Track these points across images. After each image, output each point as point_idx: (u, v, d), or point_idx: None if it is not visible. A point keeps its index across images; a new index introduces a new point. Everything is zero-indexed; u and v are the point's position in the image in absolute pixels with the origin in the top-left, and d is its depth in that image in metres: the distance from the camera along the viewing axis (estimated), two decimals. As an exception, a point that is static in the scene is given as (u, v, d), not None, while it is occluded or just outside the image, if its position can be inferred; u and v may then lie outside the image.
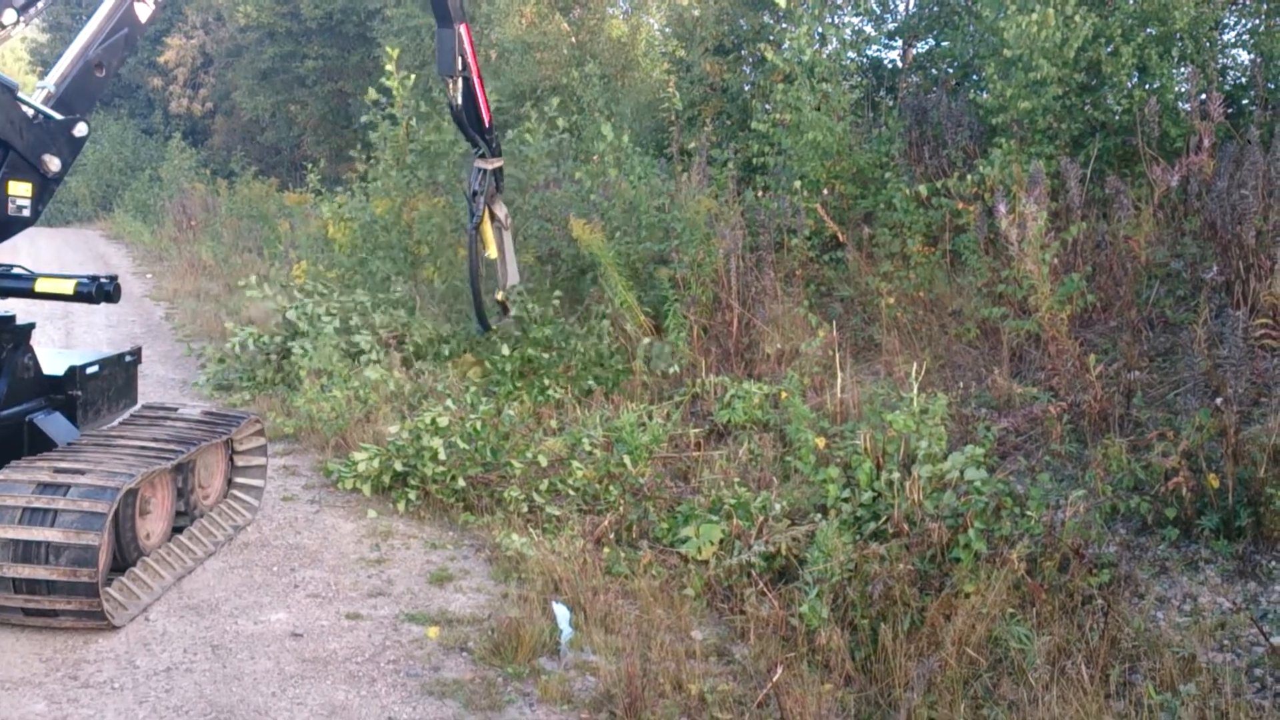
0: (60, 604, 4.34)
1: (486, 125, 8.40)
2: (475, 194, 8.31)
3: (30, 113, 4.99)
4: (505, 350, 8.20)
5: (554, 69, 15.60)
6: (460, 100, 7.96)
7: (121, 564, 4.79)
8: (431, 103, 11.10)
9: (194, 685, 4.13)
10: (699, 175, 9.81)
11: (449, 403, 6.85)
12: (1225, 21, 8.90)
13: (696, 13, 14.65)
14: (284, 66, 25.73)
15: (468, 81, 8.02)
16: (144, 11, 5.55)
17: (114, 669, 4.23)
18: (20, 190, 4.93)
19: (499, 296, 8.65)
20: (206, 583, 5.11)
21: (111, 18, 5.39)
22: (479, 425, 6.52)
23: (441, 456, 6.28)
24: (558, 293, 9.02)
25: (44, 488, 4.42)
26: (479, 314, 8.51)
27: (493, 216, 8.55)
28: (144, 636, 4.51)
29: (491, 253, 8.55)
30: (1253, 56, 8.56)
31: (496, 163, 8.55)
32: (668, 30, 15.96)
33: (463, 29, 7.87)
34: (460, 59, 7.86)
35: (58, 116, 5.06)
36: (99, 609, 4.35)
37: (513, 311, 8.63)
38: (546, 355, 8.25)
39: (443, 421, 6.49)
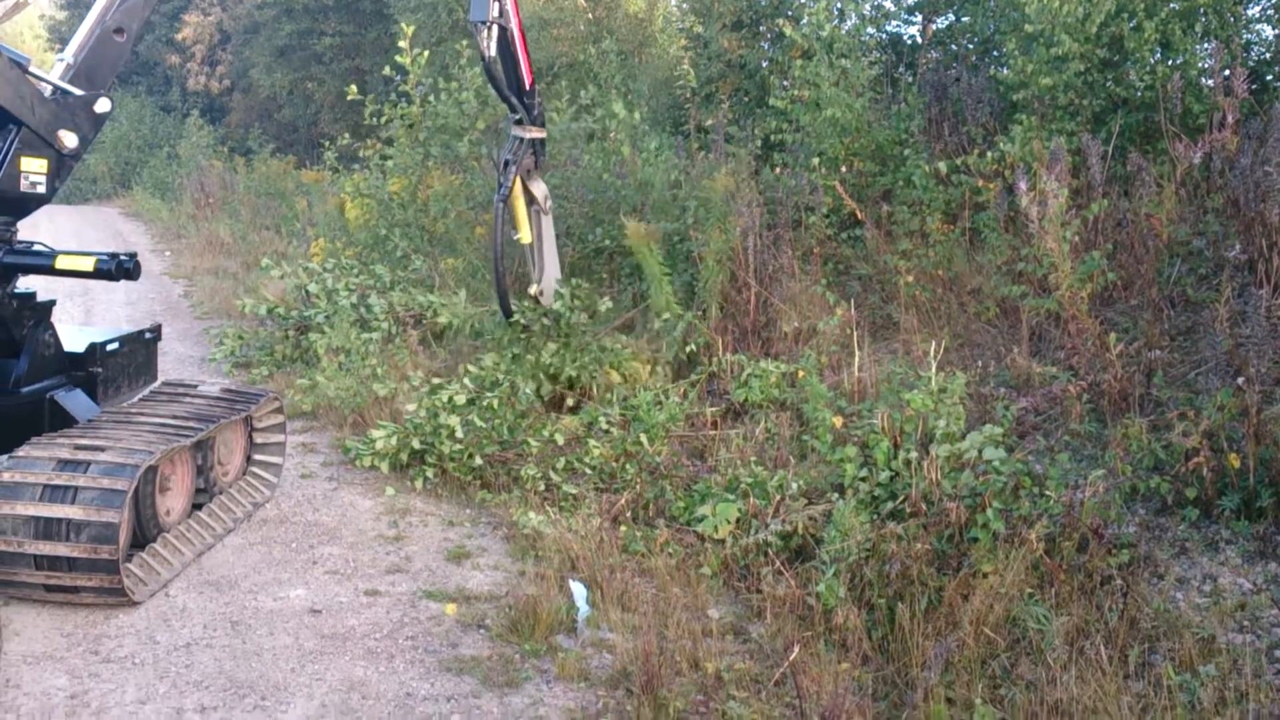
0: (81, 580, 4.37)
1: (527, 87, 7.45)
2: (506, 163, 7.35)
3: (46, 88, 4.98)
4: (515, 350, 7.47)
5: (570, 45, 15.53)
6: (494, 53, 7.01)
7: (141, 540, 4.82)
8: (448, 79, 11.07)
9: (213, 660, 4.16)
10: (716, 152, 9.75)
11: (466, 381, 6.83)
12: (1250, -5, 8.78)
13: (714, -12, 14.52)
14: (301, 43, 25.71)
15: (505, 33, 7.10)
16: None
17: (134, 644, 4.26)
18: (34, 166, 4.92)
19: (531, 290, 7.71)
20: (226, 559, 5.14)
21: None
22: (496, 403, 6.52)
23: (459, 434, 6.29)
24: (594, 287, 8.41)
25: (64, 465, 4.45)
26: (501, 298, 7.60)
27: (529, 197, 7.60)
28: (164, 612, 4.55)
29: (524, 237, 7.59)
30: (1278, 31, 8.44)
31: (537, 132, 7.57)
32: (685, 6, 15.84)
33: None
34: (497, 4, 6.95)
35: (77, 92, 5.05)
36: (119, 585, 4.38)
37: (554, 304, 7.63)
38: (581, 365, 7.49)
39: (460, 399, 6.50)
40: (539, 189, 7.67)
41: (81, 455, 4.49)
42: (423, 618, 4.64)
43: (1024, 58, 8.33)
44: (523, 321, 7.58)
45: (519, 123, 7.49)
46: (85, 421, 5.09)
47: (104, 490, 4.36)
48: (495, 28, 6.95)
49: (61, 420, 5.15)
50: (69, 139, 5.01)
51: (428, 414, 6.46)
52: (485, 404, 6.51)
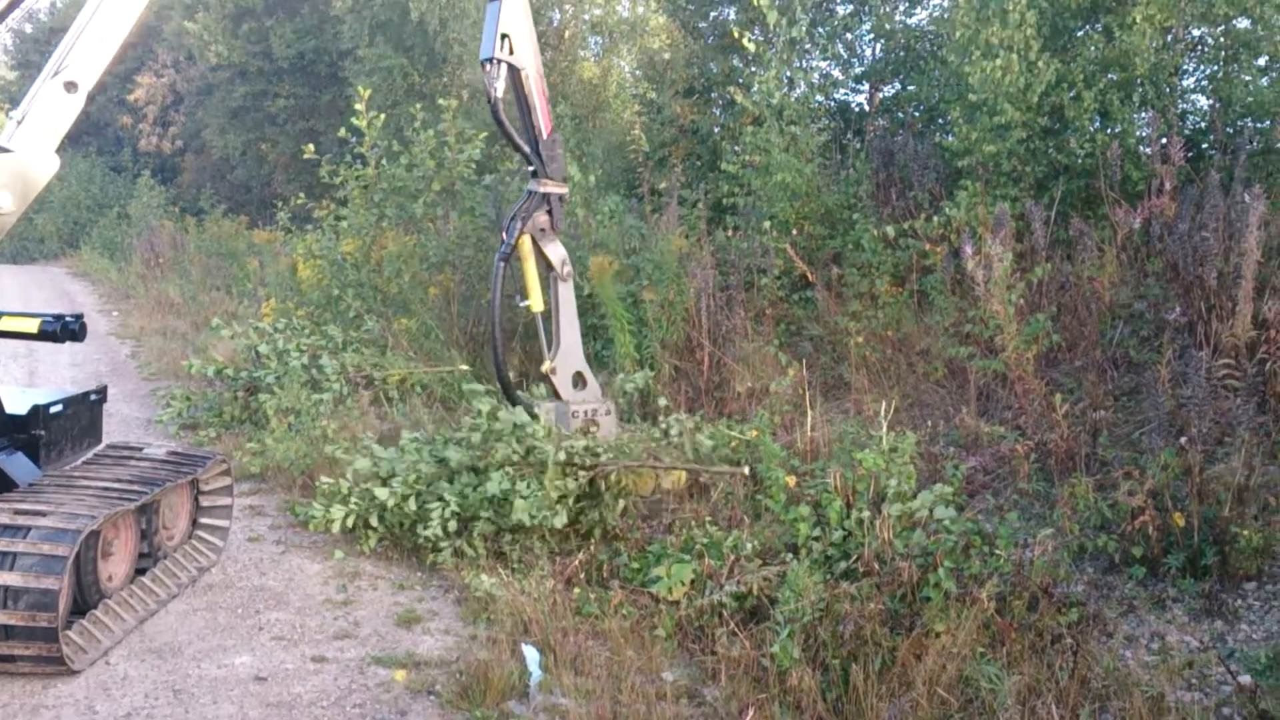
0: (18, 649, 4.25)
1: (544, 136, 6.80)
2: (513, 219, 6.70)
3: None
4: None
5: (525, 109, 15.67)
6: (499, 94, 6.45)
7: (82, 606, 4.70)
8: (403, 141, 11.14)
9: (155, 731, 4.05)
10: (670, 215, 9.87)
11: (385, 448, 6.47)
12: (1185, 67, 9.10)
13: (667, 56, 14.82)
14: (255, 105, 25.77)
15: (517, 74, 6.59)
16: (126, 11, 5.07)
17: (73, 715, 4.14)
18: None
19: (544, 368, 6.89)
20: (169, 625, 5.03)
21: (83, 26, 5.00)
22: (419, 474, 6.17)
23: (390, 504, 6.09)
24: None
25: (3, 530, 4.34)
26: (500, 378, 6.80)
27: (546, 262, 6.88)
28: (104, 681, 4.42)
29: (535, 305, 6.87)
30: (1212, 102, 8.74)
31: (554, 187, 6.85)
32: (638, 73, 16.12)
33: (513, 3, 6.51)
34: (506, 43, 6.41)
35: (10, 149, 4.91)
36: (58, 654, 4.26)
37: (585, 418, 6.64)
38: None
39: (385, 470, 6.22)
40: (555, 252, 6.90)
41: (21, 520, 4.39)
42: (371, 684, 4.55)
43: (968, 125, 8.56)
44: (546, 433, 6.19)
45: (534, 175, 6.86)
46: (26, 485, 4.97)
47: (44, 556, 4.26)
48: (504, 67, 6.50)
49: (2, 484, 5.03)
50: (2, 199, 4.86)
51: (361, 489, 6.21)
52: (415, 471, 6.24)
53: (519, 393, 7.07)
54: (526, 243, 6.79)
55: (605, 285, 8.20)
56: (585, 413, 6.83)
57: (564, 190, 6.99)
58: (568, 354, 6.96)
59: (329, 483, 6.42)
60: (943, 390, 7.44)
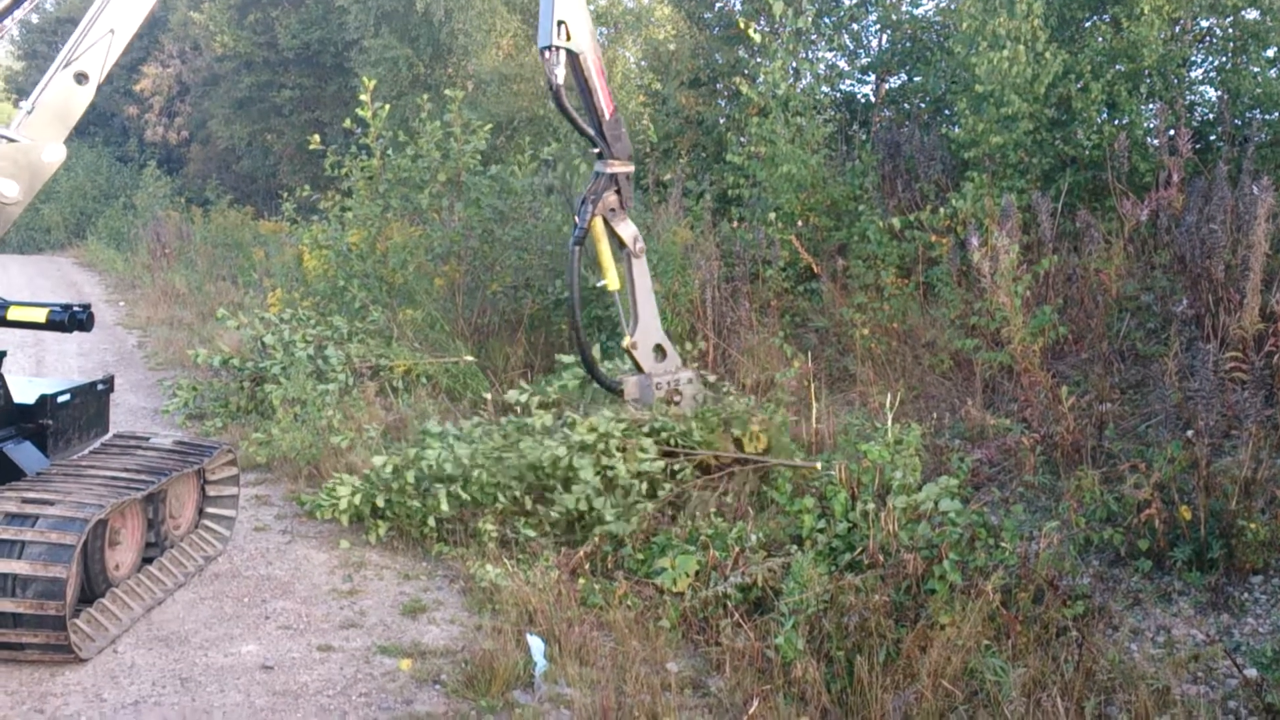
0: (27, 637, 4.27)
1: (607, 118, 6.84)
2: (584, 202, 6.78)
3: None
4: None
5: (530, 100, 15.71)
6: (560, 80, 6.49)
7: (90, 595, 4.72)
8: (409, 132, 11.14)
9: (162, 719, 4.07)
10: (675, 206, 9.86)
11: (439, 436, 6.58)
12: (1193, 59, 9.08)
13: (672, 47, 14.79)
14: (261, 96, 25.76)
15: (576, 59, 6.62)
16: (138, 2, 5.06)
17: (81, 702, 4.16)
18: None
19: (625, 344, 6.95)
20: (176, 614, 5.04)
21: (94, 18, 5.00)
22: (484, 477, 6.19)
23: (395, 485, 6.12)
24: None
25: (11, 519, 4.35)
26: (587, 364, 6.90)
27: (619, 241, 6.96)
28: (112, 669, 4.44)
29: (611, 283, 6.94)
30: (1220, 93, 8.72)
31: (621, 166, 6.89)
32: (644, 63, 16.09)
33: None
34: (563, 29, 6.46)
35: (21, 139, 4.93)
36: (66, 642, 4.28)
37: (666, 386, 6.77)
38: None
39: (448, 468, 6.20)
40: (627, 230, 6.99)
41: (29, 509, 4.40)
42: (377, 674, 4.57)
43: (975, 117, 8.54)
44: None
45: (600, 156, 6.92)
46: (34, 474, 4.99)
47: (51, 545, 4.27)
48: (563, 53, 6.53)
49: (9, 473, 5.05)
50: (8, 188, 4.88)
51: (393, 472, 6.23)
52: (437, 457, 6.29)
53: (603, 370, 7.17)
54: (599, 224, 6.85)
55: None
56: (668, 383, 6.96)
57: (630, 169, 7.03)
58: (646, 327, 7.03)
59: (337, 476, 6.44)
60: (948, 382, 7.44)
